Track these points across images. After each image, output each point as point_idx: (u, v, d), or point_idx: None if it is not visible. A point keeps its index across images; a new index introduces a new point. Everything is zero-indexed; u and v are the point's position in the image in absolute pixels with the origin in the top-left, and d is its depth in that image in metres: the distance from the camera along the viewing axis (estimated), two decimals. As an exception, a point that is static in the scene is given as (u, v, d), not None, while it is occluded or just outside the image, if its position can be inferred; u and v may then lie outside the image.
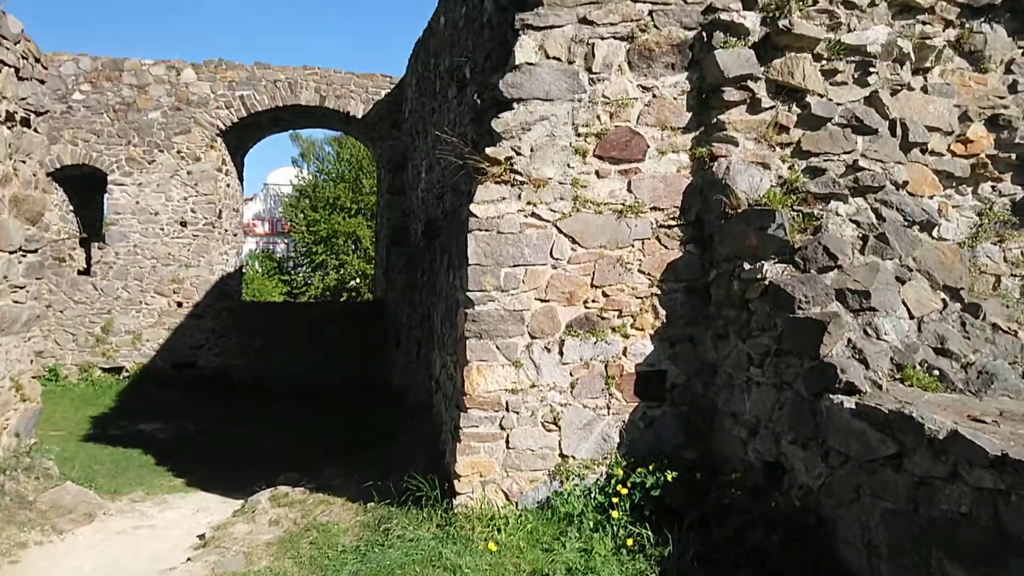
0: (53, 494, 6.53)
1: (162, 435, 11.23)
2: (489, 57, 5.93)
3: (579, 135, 5.33)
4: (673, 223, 5.46)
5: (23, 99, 6.50)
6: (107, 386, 14.40)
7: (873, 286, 4.71)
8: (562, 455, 5.39)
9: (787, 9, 5.29)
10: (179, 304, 15.29)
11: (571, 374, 5.37)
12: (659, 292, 5.44)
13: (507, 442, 5.33)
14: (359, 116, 15.64)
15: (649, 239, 5.42)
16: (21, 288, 6.81)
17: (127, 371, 14.93)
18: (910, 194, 5.64)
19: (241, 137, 16.50)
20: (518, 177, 5.26)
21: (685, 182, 5.45)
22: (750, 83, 5.27)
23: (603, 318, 5.39)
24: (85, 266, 15.49)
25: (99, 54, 15.11)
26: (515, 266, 5.26)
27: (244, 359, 15.56)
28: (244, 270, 23.40)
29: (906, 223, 5.31)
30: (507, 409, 5.31)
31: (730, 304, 5.19)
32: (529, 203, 5.28)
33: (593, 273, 5.37)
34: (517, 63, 5.22)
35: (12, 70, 6.29)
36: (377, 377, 14.66)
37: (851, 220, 5.12)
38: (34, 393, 7.47)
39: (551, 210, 5.31)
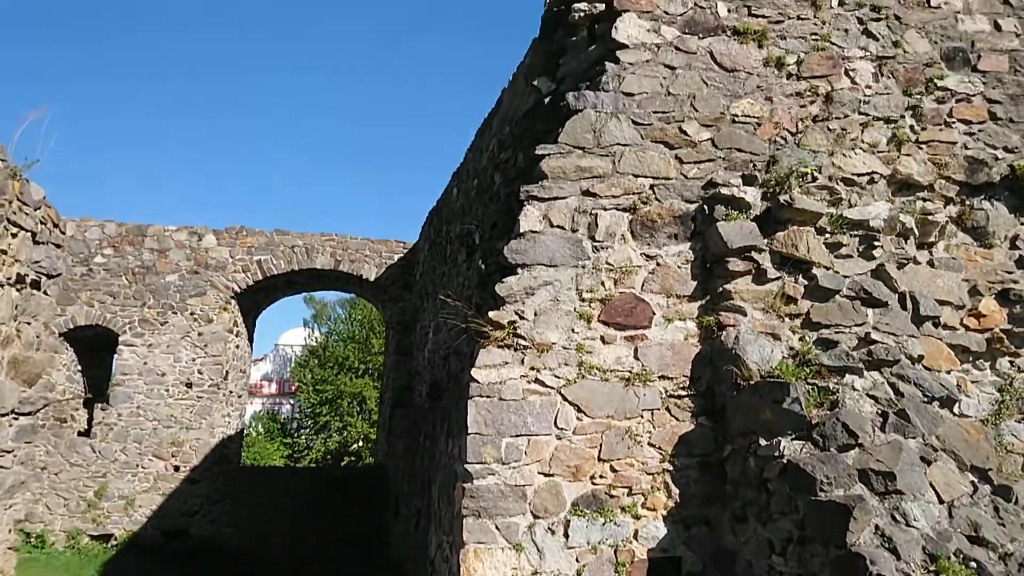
0: None
1: (139, 614, 10.46)
2: (496, 225, 6.03)
3: (583, 300, 5.27)
4: (683, 393, 5.25)
5: (36, 262, 6.60)
6: (93, 555, 13.67)
7: (898, 467, 4.41)
8: (567, 654, 4.83)
9: (787, 185, 5.40)
10: (176, 468, 14.82)
11: (577, 560, 4.92)
12: (671, 468, 5.13)
13: (506, 639, 4.80)
14: (371, 279, 15.92)
15: (659, 409, 5.19)
16: (8, 453, 6.55)
17: (116, 539, 14.22)
18: (926, 368, 5.46)
19: (255, 299, 16.75)
20: (521, 341, 5.14)
21: (694, 350, 5.31)
22: (754, 254, 5.27)
23: (612, 496, 5.03)
24: (86, 427, 15.23)
25: (127, 220, 15.70)
26: (517, 436, 5.00)
27: (239, 526, 14.83)
28: (247, 431, 22.94)
29: (925, 399, 5.08)
30: (506, 600, 4.83)
31: (747, 483, 4.86)
32: (532, 368, 5.12)
33: (600, 445, 5.08)
34: (522, 231, 5.27)
35: (29, 234, 6.43)
36: (376, 546, 13.88)
37: (868, 395, 4.90)
38: (8, 566, 6.97)
39: (555, 376, 5.13)
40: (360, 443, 29.59)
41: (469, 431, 4.98)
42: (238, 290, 15.60)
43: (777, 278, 5.33)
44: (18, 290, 6.39)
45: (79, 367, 15.82)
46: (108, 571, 12.76)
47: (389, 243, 16.41)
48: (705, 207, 5.44)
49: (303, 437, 32.58)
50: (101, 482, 14.49)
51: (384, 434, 16.58)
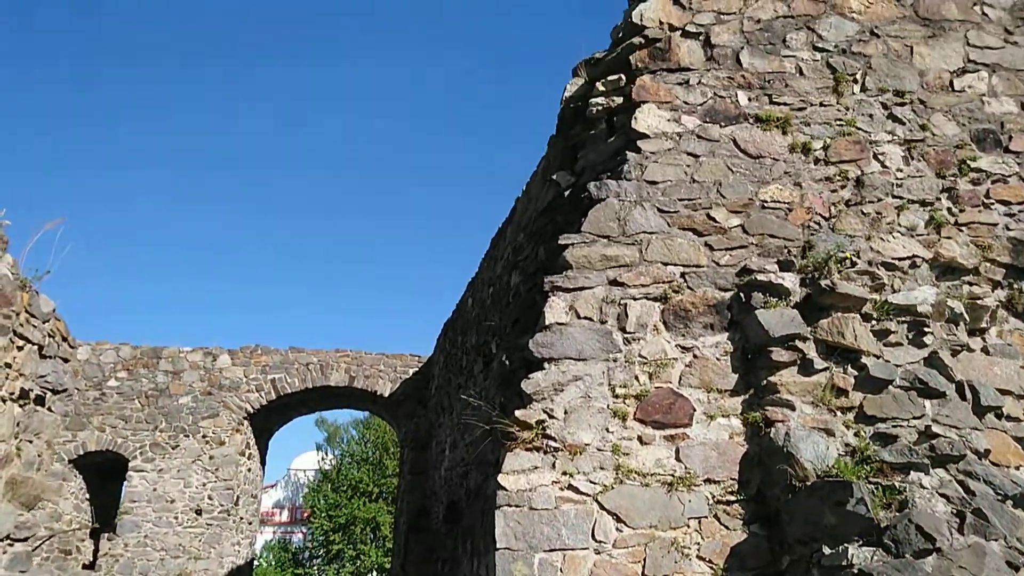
0: None
1: None
2: (518, 321, 5.76)
3: (617, 396, 4.88)
4: (732, 498, 4.75)
5: (41, 376, 6.36)
6: None
7: (984, 574, 3.89)
8: None
9: (826, 270, 5.13)
10: (180, 606, 13.96)
11: None
12: (724, 584, 4.57)
13: None
14: (386, 395, 15.56)
15: (706, 517, 4.67)
16: (-1, 584, 6.05)
17: None
18: (994, 464, 4.98)
19: (268, 419, 16.36)
20: (551, 443, 4.72)
21: (740, 450, 4.85)
22: (798, 343, 4.93)
23: (659, 619, 4.46)
24: (91, 559, 14.51)
25: (145, 342, 15.57)
26: (551, 550, 4.49)
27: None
28: (258, 562, 21.86)
29: (998, 497, 4.58)
30: None
31: (811, 599, 4.30)
32: (565, 473, 4.67)
33: (644, 560, 4.53)
34: (547, 323, 4.97)
35: (35, 348, 6.23)
36: None
37: (939, 494, 4.42)
38: None
39: (590, 481, 4.66)
40: (374, 573, 28.22)
41: (498, 546, 4.48)
42: (251, 410, 15.26)
43: (824, 368, 4.95)
44: (21, 406, 6.12)
45: (87, 495, 15.24)
46: None
47: (404, 357, 16.16)
48: (741, 295, 5.16)
49: (315, 568, 31.20)
50: (101, 624, 13.62)
51: (399, 561, 15.68)
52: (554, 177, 5.72)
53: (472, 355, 10.27)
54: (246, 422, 15.34)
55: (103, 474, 15.34)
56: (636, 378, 4.95)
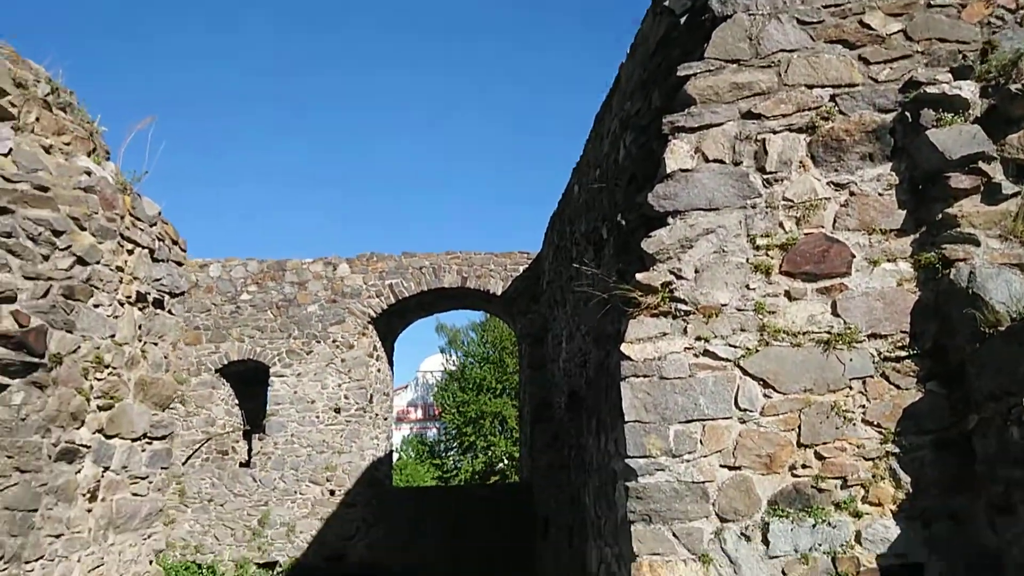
0: None
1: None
2: (633, 179, 5.11)
3: (757, 248, 4.23)
4: (902, 354, 4.06)
5: (157, 280, 6.39)
6: (261, 584, 13.88)
7: None
8: None
9: (1015, 73, 4.13)
10: (331, 492, 15.02)
11: (784, 572, 3.84)
12: (896, 450, 3.95)
13: (698, 675, 3.81)
14: (498, 293, 15.57)
15: (872, 377, 4.04)
16: (143, 479, 6.31)
17: (280, 566, 14.48)
18: None
19: (390, 323, 16.77)
20: (681, 306, 4.17)
21: (911, 298, 4.12)
22: (982, 164, 4.04)
23: (820, 489, 3.93)
24: (247, 458, 15.69)
25: (266, 256, 16.19)
26: (688, 421, 4.03)
27: (394, 548, 14.67)
28: (398, 454, 23.04)
29: None
30: (696, 625, 3.84)
31: (1009, 460, 3.62)
32: (699, 338, 4.13)
33: (799, 427, 4.00)
34: (669, 171, 4.31)
35: (146, 251, 6.23)
36: (529, 569, 13.18)
37: None
38: (152, 599, 6.74)
39: (729, 345, 4.11)
40: (505, 462, 29.50)
41: (626, 419, 4.07)
42: (374, 315, 15.76)
43: (1015, 193, 4.06)
44: (140, 309, 6.18)
45: (236, 401, 16.32)
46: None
47: (513, 255, 16.02)
48: (907, 114, 4.24)
49: (450, 458, 33.04)
50: (263, 510, 14.86)
51: (527, 450, 16.02)
52: (666, 3, 4.87)
53: (582, 244, 9.73)
54: (370, 326, 15.88)
55: (246, 381, 16.32)
56: (780, 225, 4.25)
